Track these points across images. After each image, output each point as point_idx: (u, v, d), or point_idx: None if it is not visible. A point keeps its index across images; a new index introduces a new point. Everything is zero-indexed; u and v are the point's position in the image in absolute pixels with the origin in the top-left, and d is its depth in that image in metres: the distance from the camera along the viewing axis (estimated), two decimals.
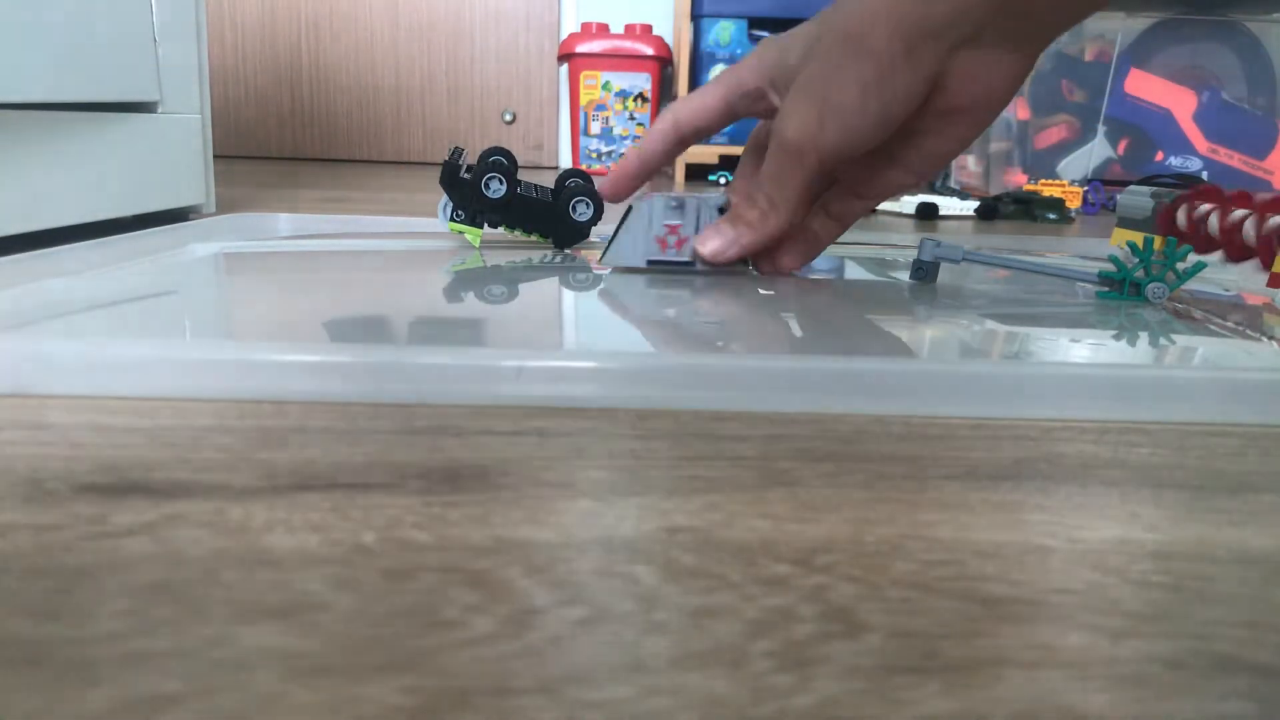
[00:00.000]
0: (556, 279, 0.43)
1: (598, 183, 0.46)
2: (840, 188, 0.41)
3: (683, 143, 0.41)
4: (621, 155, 0.43)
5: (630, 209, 0.42)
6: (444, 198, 0.47)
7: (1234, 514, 0.19)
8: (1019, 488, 0.20)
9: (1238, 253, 0.44)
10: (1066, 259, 0.57)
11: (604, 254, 0.43)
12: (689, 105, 0.40)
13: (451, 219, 0.48)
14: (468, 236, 0.48)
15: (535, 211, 0.48)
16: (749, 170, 0.42)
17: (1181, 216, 0.46)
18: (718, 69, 1.73)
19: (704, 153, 1.75)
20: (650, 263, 0.42)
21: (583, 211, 0.48)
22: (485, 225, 0.48)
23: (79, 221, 0.56)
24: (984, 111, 0.35)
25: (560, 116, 2.13)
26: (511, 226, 0.49)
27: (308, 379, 0.24)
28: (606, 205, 0.47)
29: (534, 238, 0.49)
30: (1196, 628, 0.14)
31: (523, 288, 0.41)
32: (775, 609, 0.14)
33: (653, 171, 0.43)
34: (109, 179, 0.59)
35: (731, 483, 0.19)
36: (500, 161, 0.47)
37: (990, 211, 0.98)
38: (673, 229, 0.42)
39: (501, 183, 0.47)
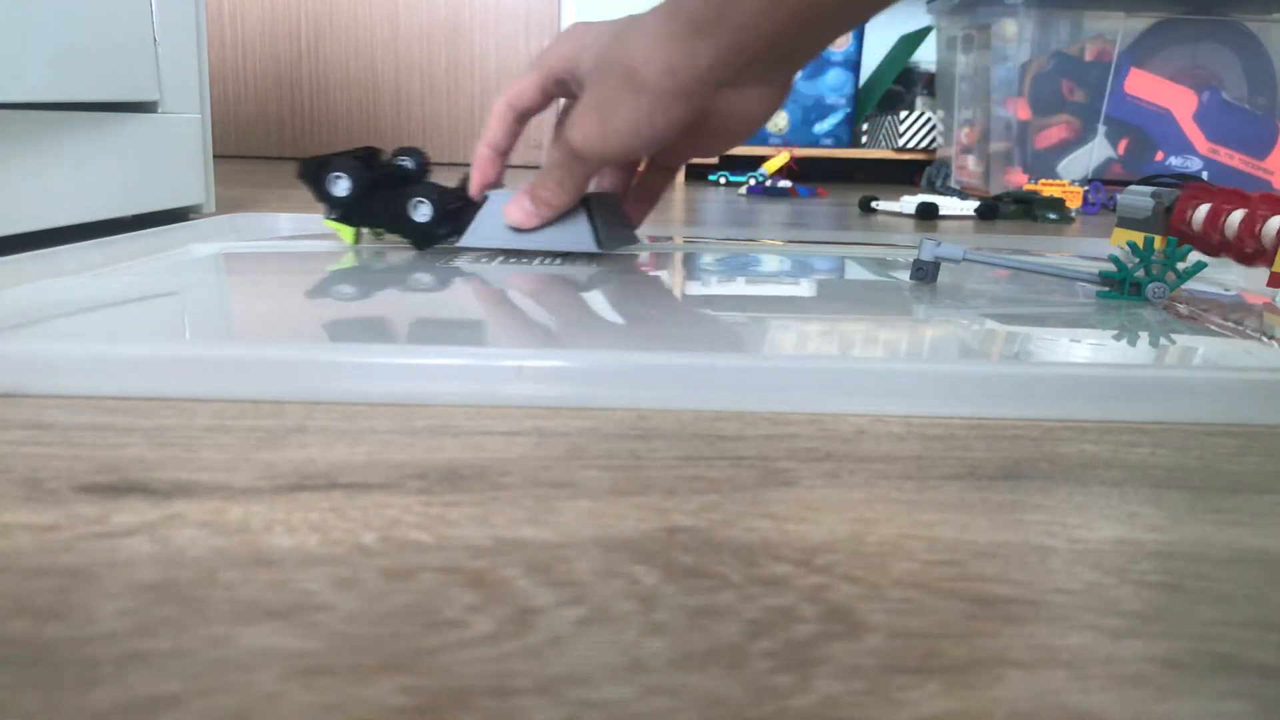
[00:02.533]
0: (402, 276, 0.43)
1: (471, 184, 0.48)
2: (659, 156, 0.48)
3: (520, 122, 0.47)
4: (474, 153, 0.48)
5: (486, 198, 0.47)
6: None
7: (1234, 514, 0.19)
8: (1019, 488, 0.20)
9: (1248, 257, 0.44)
10: (1067, 259, 0.57)
11: (462, 237, 0.47)
12: (515, 90, 0.46)
13: (327, 217, 0.48)
14: (340, 234, 0.49)
15: (391, 212, 0.48)
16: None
17: (1199, 216, 0.46)
18: None
19: None
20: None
21: (424, 213, 0.48)
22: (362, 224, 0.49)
23: (79, 221, 0.56)
24: (745, 131, 0.42)
25: None
26: (374, 226, 0.49)
27: (307, 378, 0.24)
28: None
29: (399, 238, 0.49)
30: (1196, 628, 0.14)
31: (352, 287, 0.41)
32: (775, 609, 0.14)
33: (505, 153, 0.48)
34: (109, 179, 0.59)
35: (731, 483, 0.19)
36: (350, 160, 0.47)
37: (990, 211, 0.98)
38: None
39: (349, 181, 0.47)
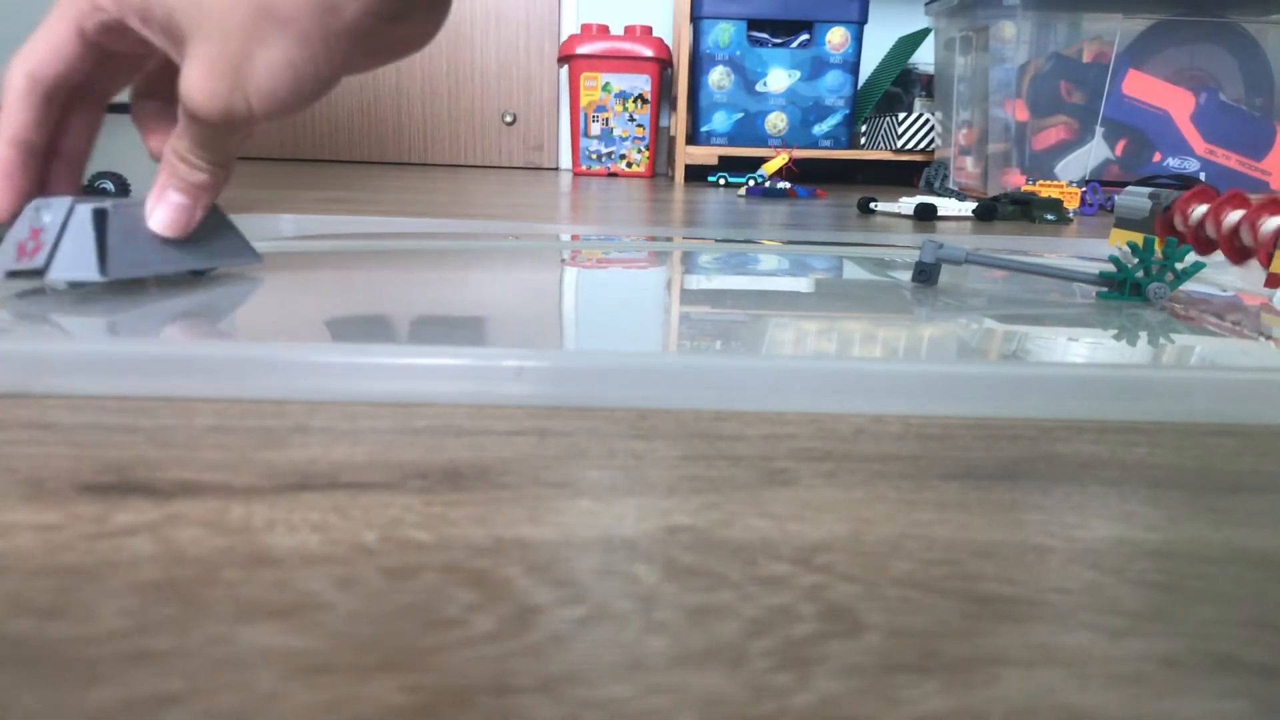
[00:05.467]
0: None
1: None
2: None
3: (53, 101, 0.32)
4: None
5: (70, 210, 0.33)
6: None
7: (1232, 513, 0.19)
8: (1017, 487, 0.20)
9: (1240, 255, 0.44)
10: (1066, 260, 0.57)
11: (46, 271, 0.33)
12: (36, 53, 0.31)
13: None
14: None
15: None
16: (158, 125, 0.36)
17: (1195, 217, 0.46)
18: (718, 70, 1.74)
19: (703, 154, 1.75)
20: (9, 274, 0.33)
21: None
22: None
23: None
24: (400, 55, 0.33)
25: (560, 118, 2.13)
26: None
27: (309, 378, 0.24)
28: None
29: None
30: (1194, 627, 0.14)
31: None
32: (774, 608, 0.14)
33: (42, 151, 0.33)
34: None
35: (731, 482, 0.19)
36: None
37: (989, 212, 0.98)
38: (35, 233, 0.33)
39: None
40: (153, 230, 0.34)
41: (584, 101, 1.88)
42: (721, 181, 1.57)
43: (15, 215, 0.34)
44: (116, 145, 0.60)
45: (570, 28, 2.05)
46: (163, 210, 0.34)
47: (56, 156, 0.35)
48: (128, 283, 0.36)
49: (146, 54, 0.33)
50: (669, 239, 0.63)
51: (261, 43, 0.28)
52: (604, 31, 1.85)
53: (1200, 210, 0.46)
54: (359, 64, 0.32)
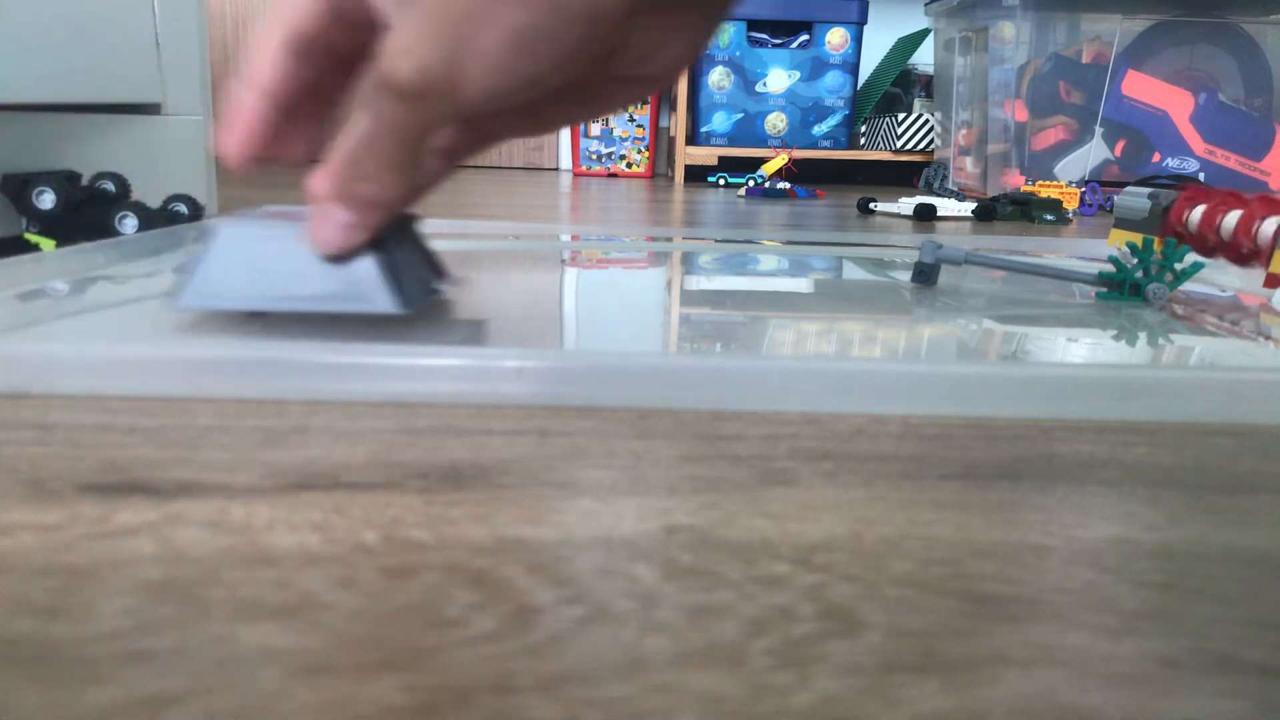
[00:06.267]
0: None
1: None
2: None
3: (300, 58, 0.28)
4: (237, 99, 0.28)
5: (211, 231, 0.29)
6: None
7: (1231, 513, 0.19)
8: (1017, 487, 0.20)
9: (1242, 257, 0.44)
10: (1065, 260, 0.57)
11: (178, 294, 0.29)
12: (284, 10, 0.27)
13: (26, 230, 0.50)
14: (42, 248, 0.49)
15: (97, 226, 0.50)
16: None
17: (1194, 217, 0.46)
18: (718, 71, 1.74)
19: (703, 154, 1.75)
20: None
21: (130, 226, 0.50)
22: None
23: None
24: (662, 80, 0.27)
25: None
26: (78, 240, 0.49)
27: (309, 378, 0.24)
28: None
29: None
30: (1193, 627, 0.14)
31: None
32: (774, 608, 0.14)
33: (284, 107, 0.29)
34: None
35: (731, 482, 0.19)
36: (57, 176, 0.50)
37: (988, 213, 0.98)
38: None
39: (54, 195, 0.49)
40: (310, 249, 0.28)
41: None
42: (721, 182, 1.57)
43: (251, 160, 0.29)
44: (117, 145, 0.60)
45: None
46: (322, 228, 0.28)
47: (304, 104, 0.29)
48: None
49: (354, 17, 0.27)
50: (669, 239, 0.63)
51: (482, 13, 0.23)
52: None
53: (1198, 214, 0.46)
54: (598, 85, 0.27)
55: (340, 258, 0.28)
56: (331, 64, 0.29)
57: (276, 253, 0.29)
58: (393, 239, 0.29)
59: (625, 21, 0.24)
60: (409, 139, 0.25)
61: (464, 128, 0.30)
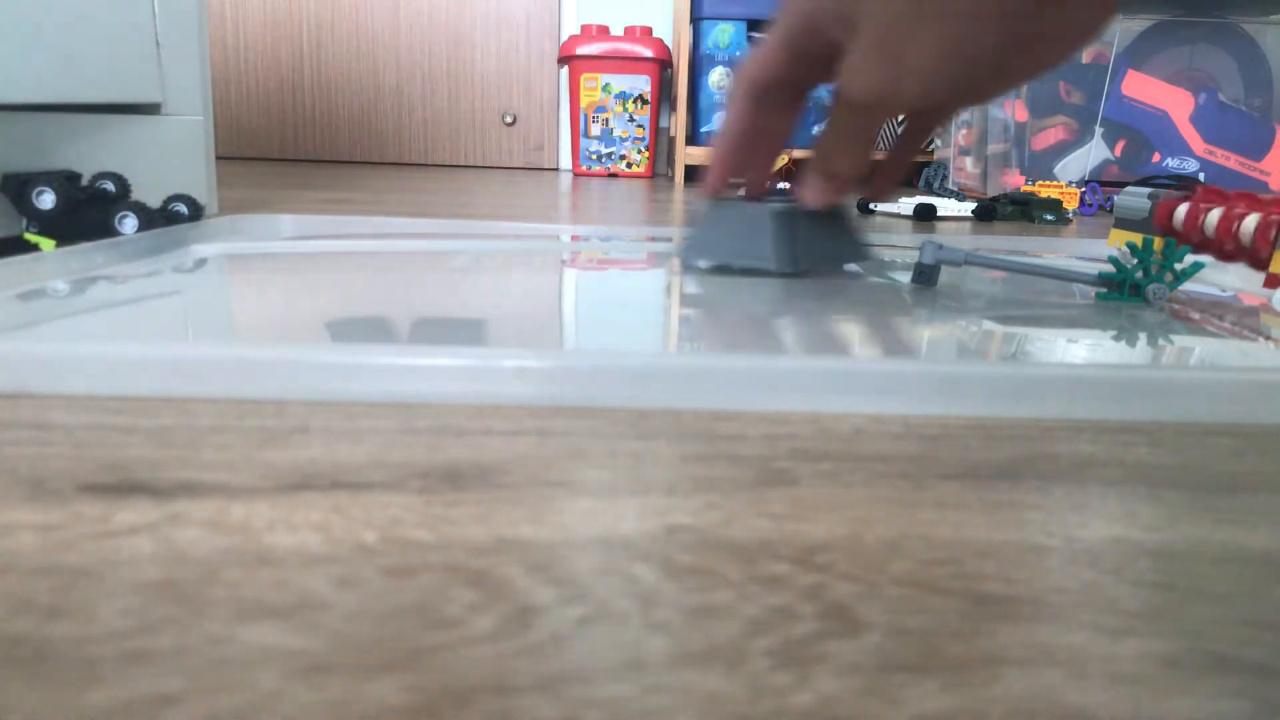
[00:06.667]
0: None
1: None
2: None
3: (760, 101, 0.38)
4: (710, 143, 0.41)
5: (708, 208, 0.43)
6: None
7: (1231, 513, 0.19)
8: (1016, 487, 0.20)
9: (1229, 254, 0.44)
10: (1065, 260, 0.57)
11: (682, 252, 0.45)
12: (754, 61, 0.38)
13: (26, 230, 0.50)
14: (41, 247, 0.49)
15: (97, 226, 0.50)
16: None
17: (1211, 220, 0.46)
18: (717, 71, 1.74)
19: (703, 154, 1.75)
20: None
21: (130, 226, 0.51)
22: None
23: None
24: (1069, 52, 0.33)
25: (560, 118, 2.13)
26: (78, 240, 0.49)
27: (310, 378, 0.24)
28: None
29: None
30: (1193, 627, 0.14)
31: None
32: (774, 608, 0.14)
33: (748, 147, 0.40)
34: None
35: (730, 482, 0.19)
36: (57, 176, 0.50)
37: (988, 213, 0.98)
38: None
39: (54, 195, 0.49)
40: (806, 202, 0.41)
41: (584, 102, 1.88)
42: None
43: (720, 192, 0.43)
44: (117, 145, 0.60)
45: (570, 28, 2.05)
46: (809, 191, 0.40)
47: (760, 139, 0.41)
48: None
49: (834, 55, 0.35)
50: (669, 239, 0.63)
51: (914, 31, 0.30)
52: (604, 32, 1.85)
53: (1182, 212, 0.46)
54: (1011, 63, 0.32)
55: (818, 215, 0.42)
56: (779, 105, 0.40)
57: (728, 226, 0.43)
58: (803, 220, 0.43)
59: (1037, 11, 0.29)
60: (859, 136, 0.36)
61: (911, 119, 0.41)
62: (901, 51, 0.31)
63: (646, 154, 1.91)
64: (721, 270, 0.45)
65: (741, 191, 0.45)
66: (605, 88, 1.87)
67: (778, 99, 0.39)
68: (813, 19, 0.34)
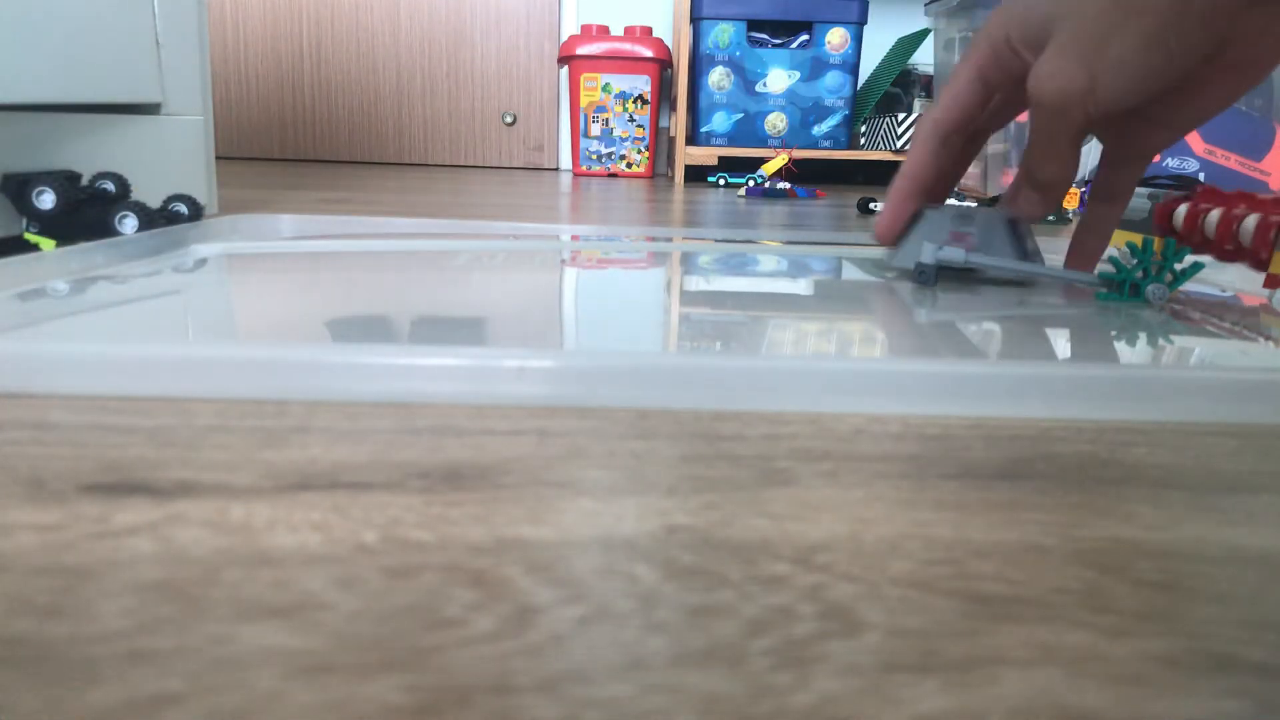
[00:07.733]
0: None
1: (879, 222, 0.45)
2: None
3: (946, 143, 0.40)
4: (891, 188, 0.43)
5: (921, 214, 0.44)
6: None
7: (1231, 513, 0.19)
8: (1016, 487, 0.20)
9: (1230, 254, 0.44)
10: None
11: (893, 256, 0.45)
12: (944, 101, 0.39)
13: (26, 230, 0.51)
14: (41, 248, 0.50)
15: (97, 226, 0.51)
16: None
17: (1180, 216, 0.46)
18: (717, 71, 1.74)
19: (703, 154, 1.75)
20: (937, 264, 0.43)
21: (130, 226, 0.51)
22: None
23: None
24: (1267, 66, 0.33)
25: (560, 118, 2.13)
26: (77, 240, 0.50)
27: (309, 378, 0.24)
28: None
29: None
30: (1193, 627, 0.14)
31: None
32: (774, 608, 0.14)
33: (929, 187, 0.42)
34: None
35: (731, 482, 0.19)
36: (57, 176, 0.50)
37: None
38: (960, 236, 0.44)
39: (54, 195, 0.49)
40: (1019, 216, 0.41)
41: (584, 102, 1.88)
42: (721, 182, 1.57)
43: (896, 238, 0.44)
44: (117, 145, 0.60)
45: (570, 28, 2.05)
46: (1021, 203, 0.40)
47: (939, 182, 0.43)
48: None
49: (1025, 77, 0.36)
50: (669, 239, 0.63)
51: (1116, 26, 0.30)
52: (604, 32, 1.85)
53: (1182, 212, 0.46)
54: (1205, 75, 0.32)
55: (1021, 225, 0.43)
56: (962, 148, 0.41)
57: (924, 230, 0.44)
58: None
59: (1242, 13, 0.30)
60: (1059, 140, 0.35)
61: (1113, 141, 0.40)
62: (1104, 44, 0.31)
63: (646, 154, 1.91)
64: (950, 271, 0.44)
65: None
66: (605, 88, 1.87)
67: (961, 141, 0.40)
68: (1006, 41, 0.35)
